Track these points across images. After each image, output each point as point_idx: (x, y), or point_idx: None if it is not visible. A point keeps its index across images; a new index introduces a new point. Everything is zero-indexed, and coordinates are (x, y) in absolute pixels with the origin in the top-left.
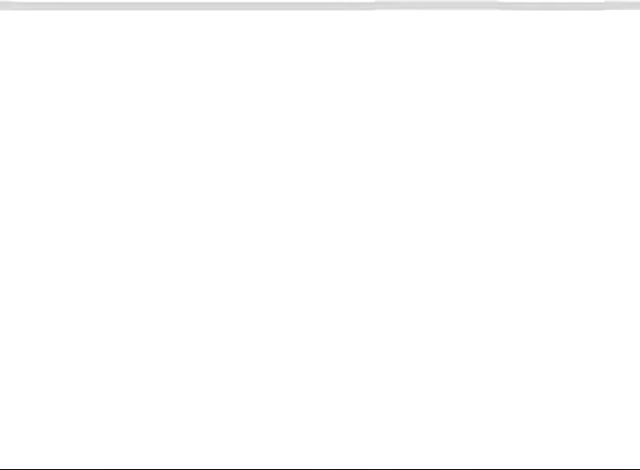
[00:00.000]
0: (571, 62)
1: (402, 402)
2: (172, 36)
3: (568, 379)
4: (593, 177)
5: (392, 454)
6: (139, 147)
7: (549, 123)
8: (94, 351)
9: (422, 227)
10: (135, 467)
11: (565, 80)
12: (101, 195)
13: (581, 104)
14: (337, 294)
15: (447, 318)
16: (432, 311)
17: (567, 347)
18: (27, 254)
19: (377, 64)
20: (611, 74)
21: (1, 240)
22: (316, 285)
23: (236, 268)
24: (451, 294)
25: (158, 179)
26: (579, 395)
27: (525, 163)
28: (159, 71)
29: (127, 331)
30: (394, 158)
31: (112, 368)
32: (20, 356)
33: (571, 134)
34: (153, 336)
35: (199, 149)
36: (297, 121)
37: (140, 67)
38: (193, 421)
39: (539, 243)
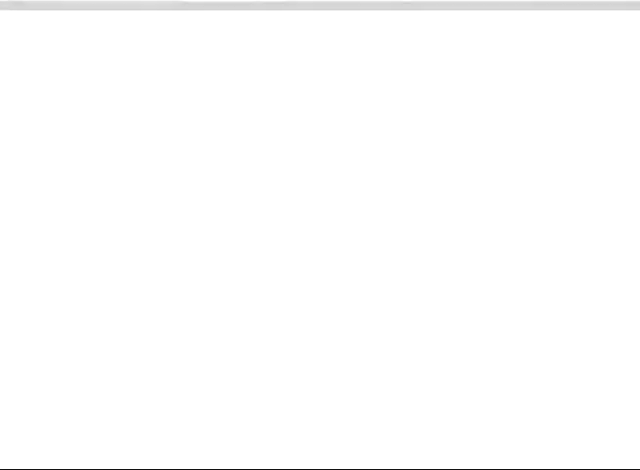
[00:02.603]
0: (571, 62)
1: (402, 402)
2: (173, 36)
3: (568, 379)
4: (593, 177)
5: (392, 454)
6: (140, 146)
7: (549, 123)
8: (94, 351)
9: (422, 228)
10: (135, 467)
11: (565, 80)
12: (102, 195)
13: (581, 104)
14: (337, 294)
15: (447, 319)
16: (432, 312)
17: (567, 347)
18: (28, 254)
19: (377, 64)
20: (611, 74)
21: (1, 240)
22: (316, 285)
23: (236, 269)
24: (451, 294)
25: (158, 179)
26: (579, 395)
27: (525, 163)
28: (159, 72)
29: (127, 331)
30: (395, 158)
31: (112, 368)
32: (20, 356)
33: (572, 134)
34: (153, 336)
35: (200, 150)
36: (297, 122)
37: (141, 67)
38: (193, 421)
39: (539, 243)
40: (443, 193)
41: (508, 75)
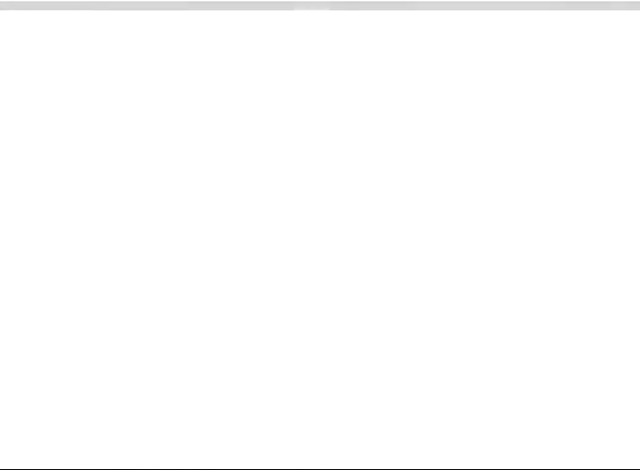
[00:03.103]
0: (571, 62)
1: (402, 403)
2: (173, 36)
3: (568, 379)
4: (593, 176)
5: (392, 454)
6: (139, 145)
7: (550, 123)
8: (94, 351)
9: (422, 227)
10: (135, 467)
11: (565, 80)
12: (102, 194)
13: (581, 104)
14: (336, 294)
15: (447, 319)
16: (432, 312)
17: (567, 347)
18: (28, 255)
19: (377, 64)
20: (611, 74)
21: (1, 240)
22: (316, 285)
23: (236, 269)
24: (451, 295)
25: (158, 179)
26: (579, 395)
27: (524, 162)
28: (158, 72)
29: (127, 332)
30: (395, 158)
31: (112, 368)
32: (20, 357)
33: (571, 133)
34: (153, 336)
35: (198, 148)
36: (297, 123)
37: (140, 67)
38: (193, 421)
39: (539, 243)
40: (444, 194)
41: (507, 76)
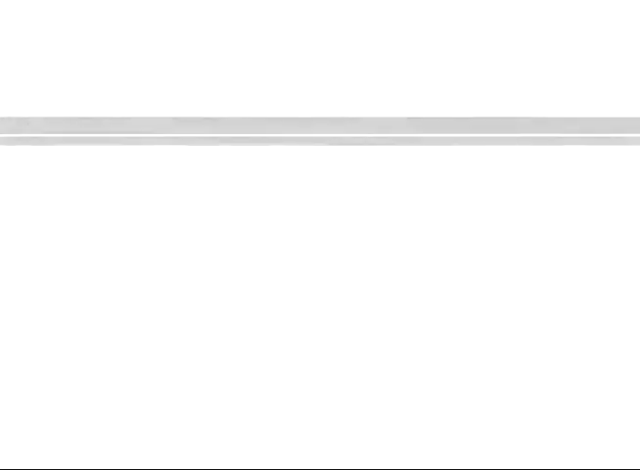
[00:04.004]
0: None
1: (402, 403)
2: (174, 36)
3: (568, 382)
4: (594, 181)
5: (392, 454)
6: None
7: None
8: (94, 352)
9: (422, 231)
10: (135, 467)
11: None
12: (101, 198)
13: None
14: (337, 299)
15: (447, 323)
16: (432, 317)
17: (567, 350)
18: (28, 259)
19: (376, 63)
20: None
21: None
22: (317, 292)
23: (236, 275)
24: (451, 296)
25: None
26: (580, 396)
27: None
28: (161, 71)
29: (127, 334)
30: (395, 160)
31: (112, 370)
32: (20, 358)
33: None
34: (153, 339)
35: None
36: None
37: (142, 66)
38: (193, 421)
39: (539, 249)
40: (443, 194)
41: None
